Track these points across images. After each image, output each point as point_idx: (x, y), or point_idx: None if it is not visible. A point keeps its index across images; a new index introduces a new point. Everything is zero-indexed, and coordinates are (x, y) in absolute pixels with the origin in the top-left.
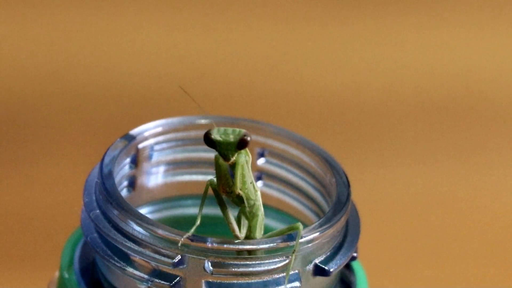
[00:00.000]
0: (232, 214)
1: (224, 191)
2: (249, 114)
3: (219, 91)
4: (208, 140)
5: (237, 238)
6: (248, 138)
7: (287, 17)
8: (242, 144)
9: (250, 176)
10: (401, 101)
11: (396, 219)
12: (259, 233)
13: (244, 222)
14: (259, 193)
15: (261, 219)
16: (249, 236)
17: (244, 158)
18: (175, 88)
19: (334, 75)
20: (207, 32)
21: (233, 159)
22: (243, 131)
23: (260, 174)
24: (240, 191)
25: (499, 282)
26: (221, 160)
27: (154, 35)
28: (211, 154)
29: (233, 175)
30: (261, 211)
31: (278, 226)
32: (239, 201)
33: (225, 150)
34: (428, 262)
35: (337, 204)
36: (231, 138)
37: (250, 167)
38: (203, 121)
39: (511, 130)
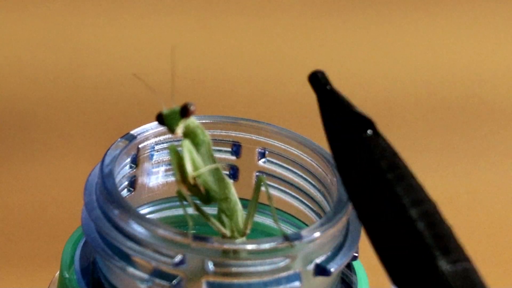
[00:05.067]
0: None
1: (183, 181)
2: (249, 114)
3: (219, 91)
4: (158, 116)
5: (225, 236)
6: (192, 107)
7: (287, 17)
8: (184, 110)
9: (208, 162)
10: (402, 101)
11: None
12: (245, 227)
13: (226, 220)
14: (231, 187)
15: (242, 214)
16: (235, 232)
17: (188, 143)
18: (176, 88)
19: (334, 75)
20: (207, 32)
21: (178, 130)
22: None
23: (261, 174)
24: (197, 180)
25: (499, 282)
26: (172, 146)
27: (155, 35)
28: None
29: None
30: (239, 205)
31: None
32: (206, 197)
33: (170, 119)
34: None
35: (338, 203)
36: (175, 107)
37: (209, 155)
38: (203, 121)
39: (511, 130)
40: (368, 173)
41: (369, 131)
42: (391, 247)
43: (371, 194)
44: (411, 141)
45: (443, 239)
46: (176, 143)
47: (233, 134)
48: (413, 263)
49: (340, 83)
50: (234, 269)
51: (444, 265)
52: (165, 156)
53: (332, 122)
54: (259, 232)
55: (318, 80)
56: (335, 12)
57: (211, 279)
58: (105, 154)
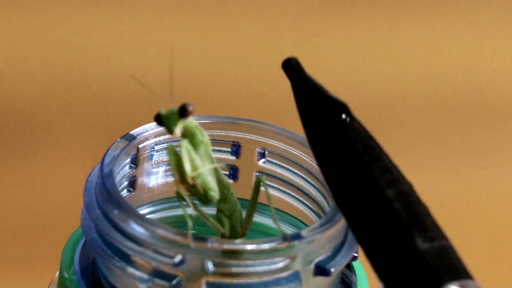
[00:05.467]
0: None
1: (182, 182)
2: (249, 114)
3: (219, 91)
4: (156, 117)
5: (224, 236)
6: (190, 107)
7: (287, 17)
8: (182, 111)
9: (207, 162)
10: (402, 101)
11: None
12: (245, 228)
13: (225, 220)
14: (230, 187)
15: (241, 214)
16: (235, 232)
17: (187, 143)
18: (176, 89)
19: (335, 75)
20: (207, 32)
21: (177, 131)
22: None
23: (261, 174)
24: (196, 180)
25: (499, 282)
26: (170, 147)
27: (154, 35)
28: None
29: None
30: (238, 206)
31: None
32: (205, 197)
33: (168, 120)
34: None
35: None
36: (173, 108)
37: (208, 155)
38: (203, 121)
39: (511, 130)
40: (344, 156)
41: (344, 115)
42: (368, 227)
43: (348, 176)
44: (411, 141)
45: (419, 217)
46: (175, 144)
47: (233, 134)
48: (391, 242)
49: (340, 82)
50: (234, 269)
51: (421, 243)
52: (164, 156)
53: (307, 108)
54: (258, 232)
55: (291, 67)
56: (335, 12)
57: (211, 279)
58: (105, 154)
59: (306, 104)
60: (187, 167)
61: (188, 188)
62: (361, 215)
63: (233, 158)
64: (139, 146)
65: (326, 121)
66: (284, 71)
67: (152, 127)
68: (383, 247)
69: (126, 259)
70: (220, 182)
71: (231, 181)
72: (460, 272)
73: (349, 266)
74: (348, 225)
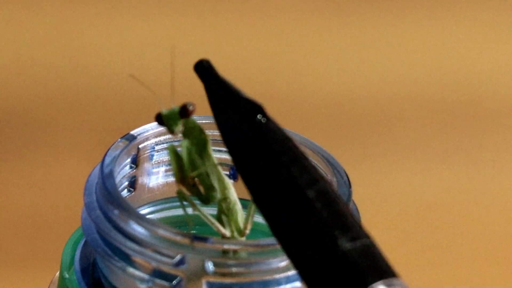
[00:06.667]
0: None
1: (182, 181)
2: None
3: None
4: (157, 117)
5: (225, 236)
6: (191, 107)
7: (287, 17)
8: (183, 111)
9: (208, 162)
10: (402, 101)
11: (397, 219)
12: (245, 228)
13: (225, 220)
14: (231, 187)
15: (241, 214)
16: (235, 232)
17: (188, 143)
18: (176, 89)
19: (335, 75)
20: (207, 32)
21: (178, 130)
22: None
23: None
24: (197, 180)
25: (499, 282)
26: (171, 147)
27: (154, 35)
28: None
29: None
30: (239, 206)
31: None
32: (205, 197)
33: (169, 120)
34: (429, 262)
35: None
36: (174, 107)
37: (208, 155)
38: (204, 121)
39: (511, 130)
40: (262, 157)
41: (259, 116)
42: (290, 229)
43: (267, 178)
44: (412, 141)
45: (341, 217)
46: (176, 143)
47: None
48: (314, 244)
49: (340, 82)
50: (234, 269)
51: (344, 242)
52: (165, 156)
53: (222, 110)
54: (259, 232)
55: (204, 69)
56: (335, 12)
57: (211, 279)
58: (105, 154)
59: (221, 107)
60: (188, 167)
61: (188, 188)
62: (282, 217)
63: None
64: (140, 146)
65: (242, 123)
66: (196, 73)
67: (152, 127)
68: (306, 249)
69: (127, 259)
70: (220, 182)
71: (231, 181)
72: (385, 271)
73: None
74: (269, 226)
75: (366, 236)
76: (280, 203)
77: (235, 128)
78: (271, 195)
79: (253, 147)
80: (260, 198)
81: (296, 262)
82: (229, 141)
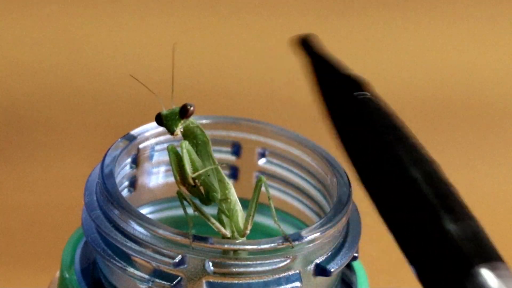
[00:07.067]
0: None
1: (183, 183)
2: (249, 114)
3: (219, 91)
4: (156, 117)
5: (225, 236)
6: (191, 107)
7: (287, 17)
8: (183, 111)
9: (208, 163)
10: (402, 101)
11: None
12: (245, 228)
13: (226, 220)
14: (231, 187)
15: (242, 214)
16: (235, 233)
17: (187, 144)
18: (177, 89)
19: None
20: (207, 32)
21: (178, 131)
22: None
23: (262, 174)
24: (197, 181)
25: None
26: (171, 147)
27: (154, 35)
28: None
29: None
30: (239, 206)
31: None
32: (206, 197)
33: (169, 120)
34: None
35: (338, 204)
36: (174, 108)
37: (209, 155)
38: (204, 121)
39: (511, 130)
40: (367, 134)
41: (366, 93)
42: (395, 209)
43: (372, 156)
44: None
45: (445, 198)
46: (176, 144)
47: (233, 134)
48: (418, 224)
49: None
50: (234, 269)
51: (449, 224)
52: (165, 156)
53: (327, 85)
54: (259, 232)
55: (310, 44)
56: (335, 12)
57: (211, 279)
58: (106, 154)
59: (326, 82)
60: (188, 168)
61: (189, 188)
62: (388, 196)
63: (234, 158)
64: (140, 146)
65: (349, 98)
66: (302, 48)
67: (152, 127)
68: (410, 229)
69: (127, 259)
70: (220, 182)
71: (231, 181)
72: (490, 254)
73: (349, 266)
74: (375, 205)
75: (472, 218)
76: (385, 182)
77: (342, 103)
78: (376, 174)
79: (359, 124)
80: (365, 175)
81: (401, 242)
82: (334, 116)
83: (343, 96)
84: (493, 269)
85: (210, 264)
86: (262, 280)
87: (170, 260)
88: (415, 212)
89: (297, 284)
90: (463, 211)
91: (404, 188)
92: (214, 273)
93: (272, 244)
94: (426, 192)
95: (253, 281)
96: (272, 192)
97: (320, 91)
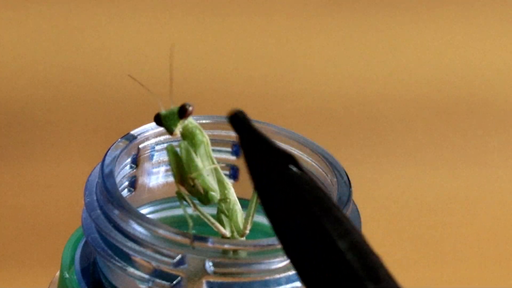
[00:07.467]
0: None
1: (182, 183)
2: (249, 114)
3: (219, 91)
4: (155, 117)
5: (225, 236)
6: (190, 107)
7: (287, 17)
8: (182, 111)
9: (207, 163)
10: (402, 101)
11: (397, 219)
12: (245, 228)
13: (225, 220)
14: (230, 187)
15: (241, 214)
16: (235, 232)
17: (187, 144)
18: (176, 89)
19: (335, 75)
20: (207, 32)
21: (177, 131)
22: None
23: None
24: (196, 180)
25: (499, 282)
26: (170, 147)
27: (154, 35)
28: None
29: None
30: (238, 206)
31: None
32: (205, 197)
33: (168, 120)
34: (429, 262)
35: (338, 204)
36: (173, 108)
37: (208, 155)
38: (203, 121)
39: (511, 130)
40: (294, 207)
41: (292, 167)
42: (321, 281)
43: (298, 228)
44: (412, 141)
45: (372, 269)
46: (175, 144)
47: (233, 134)
48: None
49: (340, 82)
50: (234, 269)
51: None
52: (165, 156)
53: (256, 160)
54: (259, 232)
55: (239, 120)
56: (335, 12)
57: (211, 279)
58: (106, 154)
59: (254, 157)
60: (187, 168)
61: (188, 188)
62: (313, 268)
63: (233, 158)
64: (140, 146)
65: (275, 173)
66: (231, 124)
67: (152, 127)
68: None
69: (127, 259)
70: (220, 182)
71: (231, 181)
72: None
73: None
74: (300, 278)
75: None
76: (311, 254)
77: (269, 178)
78: (303, 246)
79: (286, 198)
80: (291, 248)
81: None
82: (262, 191)
83: (272, 171)
84: None
85: (210, 264)
86: (262, 280)
87: (170, 260)
88: (342, 283)
89: (297, 284)
90: (391, 282)
91: (331, 260)
92: (214, 273)
93: (272, 244)
94: (353, 262)
95: (253, 281)
96: None
97: (250, 166)
